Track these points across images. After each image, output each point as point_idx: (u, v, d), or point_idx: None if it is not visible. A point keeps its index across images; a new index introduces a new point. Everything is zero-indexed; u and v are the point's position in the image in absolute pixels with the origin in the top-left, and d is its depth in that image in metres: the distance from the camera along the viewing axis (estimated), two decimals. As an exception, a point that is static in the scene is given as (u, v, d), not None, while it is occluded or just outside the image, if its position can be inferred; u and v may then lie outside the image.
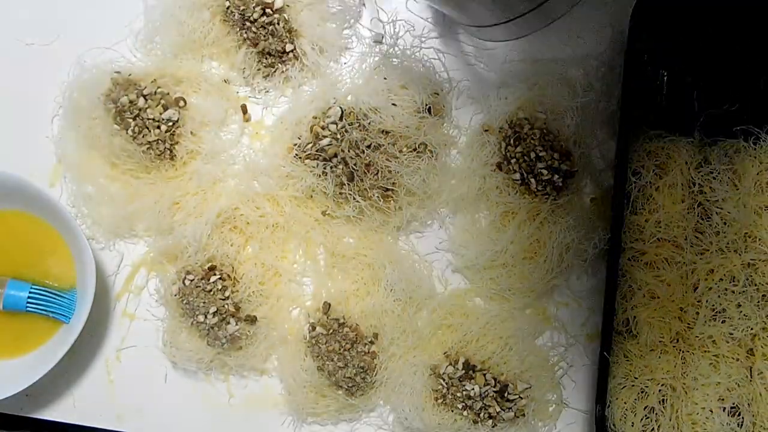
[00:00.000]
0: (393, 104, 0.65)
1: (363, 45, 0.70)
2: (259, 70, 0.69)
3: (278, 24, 0.67)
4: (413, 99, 0.66)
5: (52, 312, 0.64)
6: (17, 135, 0.69)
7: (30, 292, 0.64)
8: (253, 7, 0.67)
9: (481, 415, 0.62)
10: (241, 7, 0.67)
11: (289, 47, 0.68)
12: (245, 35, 0.68)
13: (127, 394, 0.66)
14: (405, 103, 0.66)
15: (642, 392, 0.62)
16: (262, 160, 0.67)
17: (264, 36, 0.67)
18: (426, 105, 0.66)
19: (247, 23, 0.67)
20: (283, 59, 0.68)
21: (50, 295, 0.64)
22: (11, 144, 0.69)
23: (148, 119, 0.66)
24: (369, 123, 0.65)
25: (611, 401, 0.61)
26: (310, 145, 0.65)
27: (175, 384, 0.66)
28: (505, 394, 0.62)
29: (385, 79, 0.67)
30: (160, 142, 0.66)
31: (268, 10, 0.67)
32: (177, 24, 0.68)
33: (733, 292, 0.63)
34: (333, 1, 0.69)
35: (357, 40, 0.70)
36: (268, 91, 0.69)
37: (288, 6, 0.68)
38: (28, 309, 0.63)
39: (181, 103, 0.67)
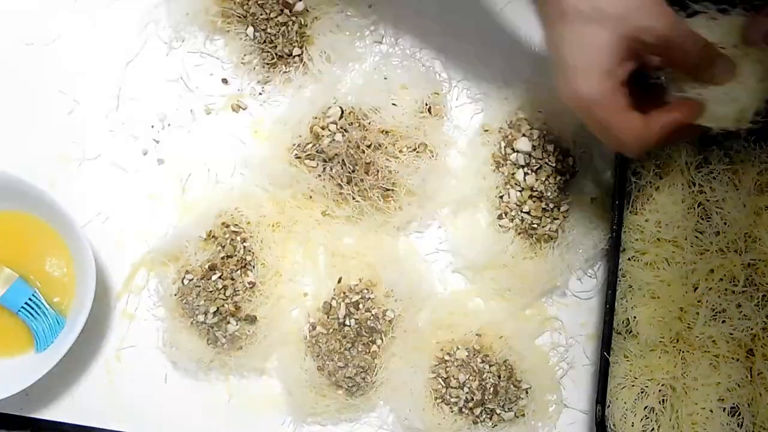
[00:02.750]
0: (393, 104, 0.65)
1: (363, 45, 0.69)
2: (263, 67, 0.68)
3: (292, 26, 0.67)
4: (413, 99, 0.66)
5: (35, 330, 0.63)
6: (17, 135, 0.69)
7: (30, 299, 0.63)
8: (272, 5, 0.66)
9: (481, 415, 0.62)
10: (260, 2, 0.66)
11: (296, 51, 0.67)
12: (256, 34, 0.67)
13: (127, 394, 0.66)
14: (405, 103, 0.66)
15: (642, 392, 0.62)
16: (262, 160, 0.67)
17: (275, 35, 0.67)
18: (426, 105, 0.66)
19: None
20: (288, 61, 0.68)
21: (45, 313, 0.63)
22: (11, 144, 0.69)
23: (148, 119, 0.66)
24: (369, 123, 0.65)
25: (611, 401, 0.61)
26: (310, 145, 0.65)
27: (175, 384, 0.66)
28: (506, 394, 0.62)
29: (385, 78, 0.67)
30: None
31: (286, 11, 0.66)
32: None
33: (733, 292, 0.63)
34: (350, 10, 0.68)
35: (368, 51, 0.69)
36: (267, 91, 0.69)
37: (307, 11, 0.67)
38: (19, 313, 0.63)
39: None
